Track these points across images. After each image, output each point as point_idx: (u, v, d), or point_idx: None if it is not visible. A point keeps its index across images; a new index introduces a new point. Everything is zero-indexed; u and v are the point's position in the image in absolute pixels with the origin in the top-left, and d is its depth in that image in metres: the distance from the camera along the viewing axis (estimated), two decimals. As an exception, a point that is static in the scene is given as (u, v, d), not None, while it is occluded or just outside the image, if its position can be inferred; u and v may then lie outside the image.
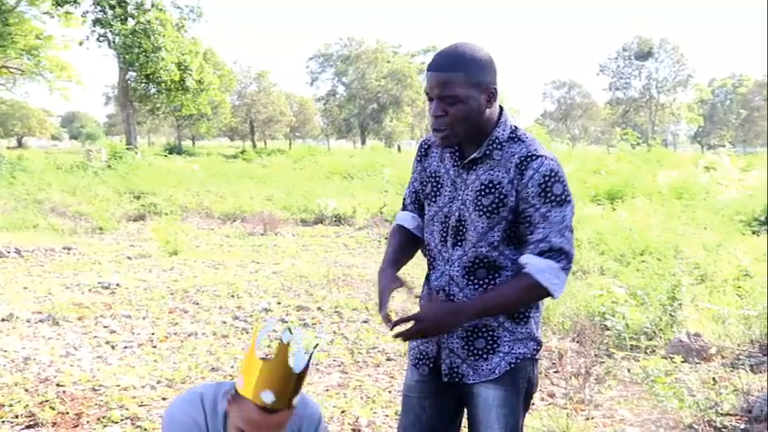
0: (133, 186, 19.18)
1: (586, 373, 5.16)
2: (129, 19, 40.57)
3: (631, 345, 5.82)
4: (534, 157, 2.25)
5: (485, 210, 2.30)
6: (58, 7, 37.15)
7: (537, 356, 2.46)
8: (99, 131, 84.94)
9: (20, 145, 77.41)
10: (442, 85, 2.23)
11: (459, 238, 2.36)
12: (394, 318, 2.28)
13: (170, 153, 40.35)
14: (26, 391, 5.00)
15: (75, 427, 4.43)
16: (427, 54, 77.46)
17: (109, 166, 24.71)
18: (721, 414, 4.41)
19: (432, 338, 2.41)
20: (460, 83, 2.22)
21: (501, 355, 2.38)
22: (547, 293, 2.25)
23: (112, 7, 39.98)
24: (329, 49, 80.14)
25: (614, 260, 9.42)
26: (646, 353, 5.64)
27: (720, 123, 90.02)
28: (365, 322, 7.08)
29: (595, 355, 5.77)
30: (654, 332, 6.10)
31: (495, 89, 2.28)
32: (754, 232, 12.25)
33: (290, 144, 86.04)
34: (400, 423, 2.64)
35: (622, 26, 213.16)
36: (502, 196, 2.28)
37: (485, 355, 2.38)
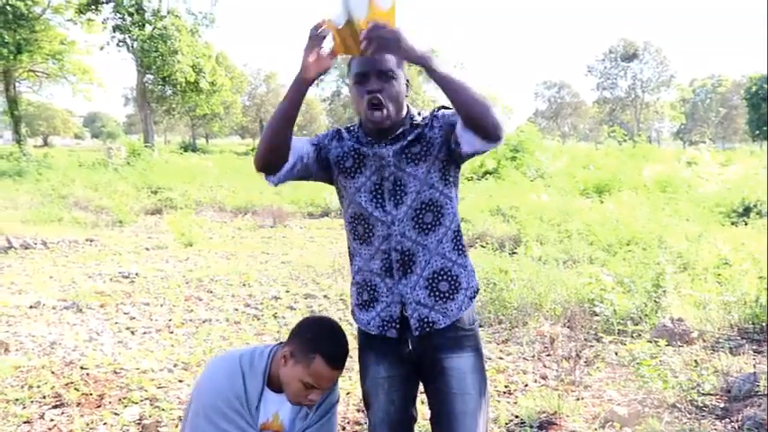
0: (151, 182, 19.22)
1: (576, 357, 5.16)
2: (147, 25, 40.59)
3: (619, 329, 5.81)
4: (439, 108, 2.43)
5: (417, 156, 2.34)
6: (81, 15, 37.28)
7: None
8: (119, 130, 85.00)
9: (45, 144, 77.47)
10: (379, 62, 2.27)
11: (398, 197, 2.34)
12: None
13: (185, 151, 40.28)
14: (52, 373, 5.00)
15: (98, 407, 4.43)
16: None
17: (128, 163, 24.74)
18: (703, 394, 4.40)
19: (394, 301, 2.38)
20: (394, 62, 2.31)
21: (462, 291, 2.42)
22: (494, 116, 2.15)
23: (131, 14, 40.01)
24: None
25: (602, 250, 9.40)
26: (632, 337, 5.63)
27: (701, 121, 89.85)
28: (369, 309, 7.07)
29: (585, 339, 5.77)
30: (640, 317, 6.09)
31: (408, 80, 2.40)
32: (732, 223, 12.23)
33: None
34: (370, 422, 2.56)
35: (609, 29, 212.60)
36: (427, 140, 2.36)
37: (451, 296, 2.40)
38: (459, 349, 2.40)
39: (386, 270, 2.40)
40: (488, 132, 2.17)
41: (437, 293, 2.38)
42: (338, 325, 2.60)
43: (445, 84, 2.15)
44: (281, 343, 2.61)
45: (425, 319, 2.38)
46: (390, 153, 2.35)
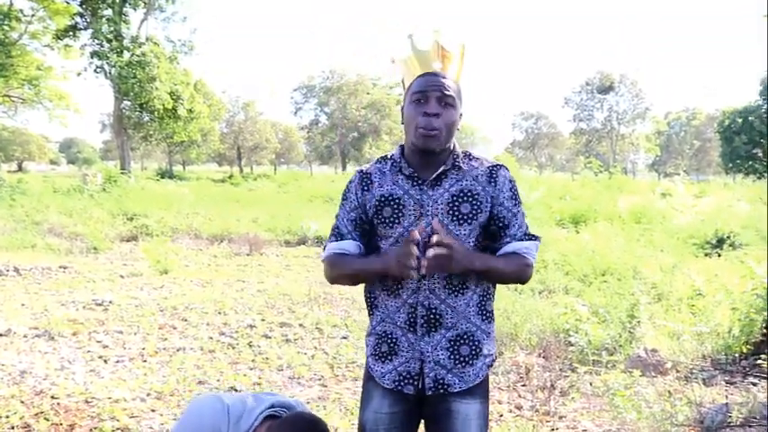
0: (126, 209, 19.07)
1: (551, 387, 5.17)
2: (125, 51, 40.51)
3: (593, 360, 5.84)
4: (500, 167, 2.42)
5: (464, 218, 2.32)
6: (59, 40, 37.12)
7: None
8: (95, 157, 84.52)
9: (20, 169, 76.79)
10: (444, 87, 2.28)
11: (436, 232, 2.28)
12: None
13: (162, 177, 40.05)
14: (22, 402, 4.94)
15: (69, 437, 4.38)
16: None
17: (104, 190, 24.55)
18: (676, 425, 4.43)
19: (414, 357, 2.36)
20: (455, 91, 2.32)
21: (482, 357, 2.41)
22: (531, 270, 2.44)
23: (109, 41, 39.93)
24: (312, 81, 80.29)
25: (578, 280, 9.46)
26: (607, 367, 5.66)
27: (675, 153, 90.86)
28: (344, 338, 7.06)
29: (560, 369, 5.78)
30: (614, 348, 6.12)
31: (461, 114, 2.39)
32: (706, 254, 12.34)
33: (275, 169, 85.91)
34: None
35: (585, 61, 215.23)
36: (478, 203, 2.34)
37: (471, 361, 2.38)
38: (468, 395, 2.39)
39: (410, 325, 2.36)
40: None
41: (458, 357, 2.37)
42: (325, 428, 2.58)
43: (490, 276, 2.39)
44: (274, 411, 2.60)
45: (441, 381, 2.36)
46: (431, 203, 2.32)
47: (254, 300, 8.92)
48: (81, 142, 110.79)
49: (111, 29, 40.10)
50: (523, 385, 5.53)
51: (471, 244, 2.35)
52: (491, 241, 2.43)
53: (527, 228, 2.46)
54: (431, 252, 2.13)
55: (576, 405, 5.06)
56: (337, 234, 2.46)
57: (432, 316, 2.34)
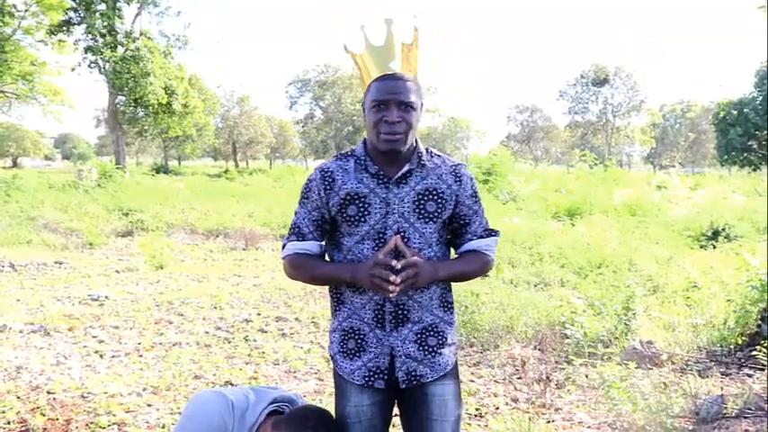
0: (122, 204, 19.05)
1: (547, 379, 5.18)
2: (119, 46, 40.51)
3: (589, 352, 5.85)
4: (462, 166, 2.52)
5: (430, 216, 2.39)
6: (52, 36, 37.07)
7: None
8: (90, 152, 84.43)
9: (15, 165, 76.66)
10: (403, 93, 2.30)
11: (399, 250, 2.33)
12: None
13: (157, 172, 40.06)
14: (18, 398, 4.93)
15: (65, 432, 4.37)
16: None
17: (99, 185, 24.51)
18: (672, 416, 4.43)
19: (383, 352, 2.41)
20: (415, 91, 2.34)
21: (448, 346, 2.49)
22: (492, 265, 2.59)
23: (103, 36, 39.91)
24: (307, 75, 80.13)
25: (573, 273, 9.47)
26: (602, 359, 5.67)
27: (671, 145, 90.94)
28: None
29: (556, 362, 5.79)
30: (610, 340, 6.13)
31: (421, 104, 2.44)
32: (701, 246, 12.37)
33: (271, 164, 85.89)
34: None
35: (580, 54, 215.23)
36: (443, 201, 2.41)
37: (439, 350, 2.45)
38: (441, 377, 2.46)
39: (377, 321, 2.40)
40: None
41: (426, 348, 2.43)
42: (339, 422, 2.57)
43: (454, 279, 2.49)
44: (277, 407, 2.61)
45: (413, 373, 2.42)
46: (397, 201, 2.36)
47: (250, 294, 8.92)
48: (76, 138, 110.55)
49: (105, 24, 40.09)
50: (519, 378, 5.54)
51: (434, 240, 2.43)
52: (452, 237, 2.55)
53: (487, 223, 2.59)
54: (398, 279, 2.22)
55: (571, 397, 5.07)
56: (298, 233, 2.48)
57: (399, 311, 2.40)
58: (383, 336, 2.40)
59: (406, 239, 2.35)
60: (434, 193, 2.39)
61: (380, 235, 2.35)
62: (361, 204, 2.36)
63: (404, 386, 2.41)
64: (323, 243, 2.50)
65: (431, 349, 2.43)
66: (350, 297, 2.44)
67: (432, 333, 2.43)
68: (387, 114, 2.29)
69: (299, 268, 2.45)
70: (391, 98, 2.29)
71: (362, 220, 2.36)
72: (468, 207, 2.48)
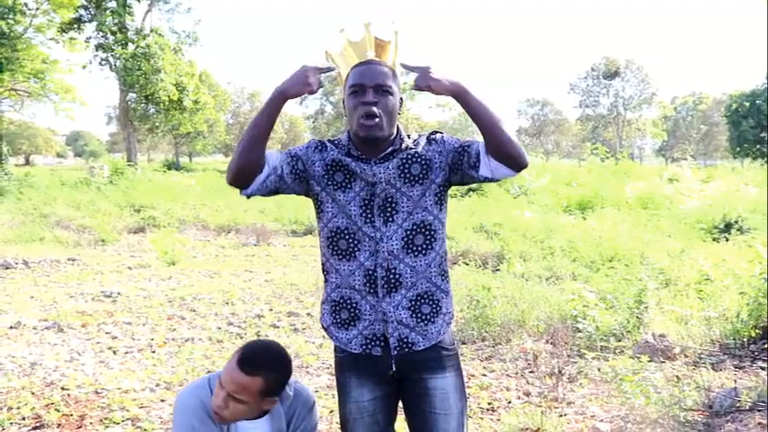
0: (134, 200, 19.14)
1: (559, 373, 5.17)
2: (130, 44, 40.62)
3: (601, 346, 5.83)
4: (437, 132, 2.50)
5: (415, 178, 2.37)
6: (63, 34, 37.22)
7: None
8: (101, 149, 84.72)
9: (27, 163, 76.92)
10: (378, 75, 2.33)
11: (388, 214, 2.35)
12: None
13: (168, 169, 40.11)
14: (33, 394, 4.96)
15: (79, 428, 4.40)
16: (409, 75, 77.73)
17: (111, 182, 24.61)
18: (685, 409, 4.42)
19: (377, 319, 2.38)
20: (391, 77, 2.36)
21: (442, 315, 2.45)
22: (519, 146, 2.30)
23: (114, 33, 40.04)
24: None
25: (585, 266, 9.45)
26: (615, 353, 5.65)
27: (682, 138, 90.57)
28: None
29: (568, 355, 5.78)
30: (622, 334, 6.11)
31: (402, 98, 2.43)
32: (714, 239, 12.32)
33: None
34: None
35: (591, 47, 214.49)
36: (427, 162, 2.39)
37: (432, 319, 2.42)
38: (441, 370, 2.43)
39: (369, 287, 2.38)
40: (516, 161, 2.29)
41: (419, 315, 2.40)
42: (283, 351, 2.59)
43: (477, 113, 2.28)
44: None
45: (405, 340, 2.39)
46: (381, 171, 2.35)
47: (262, 290, 8.94)
48: (87, 135, 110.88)
49: (116, 21, 40.21)
50: (531, 372, 5.53)
51: (429, 202, 2.39)
52: (469, 168, 2.36)
53: None
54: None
55: (584, 391, 5.06)
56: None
57: (391, 277, 2.37)
58: (376, 302, 2.38)
59: (393, 204, 2.35)
60: (416, 156, 2.39)
61: (368, 201, 2.35)
62: (347, 172, 2.38)
63: (395, 353, 2.39)
64: (279, 167, 2.35)
65: (424, 317, 2.40)
66: (336, 266, 2.42)
67: (426, 301, 2.41)
68: (363, 97, 2.31)
69: (238, 145, 2.31)
70: (367, 82, 2.31)
71: (349, 186, 2.38)
72: (460, 146, 2.39)
